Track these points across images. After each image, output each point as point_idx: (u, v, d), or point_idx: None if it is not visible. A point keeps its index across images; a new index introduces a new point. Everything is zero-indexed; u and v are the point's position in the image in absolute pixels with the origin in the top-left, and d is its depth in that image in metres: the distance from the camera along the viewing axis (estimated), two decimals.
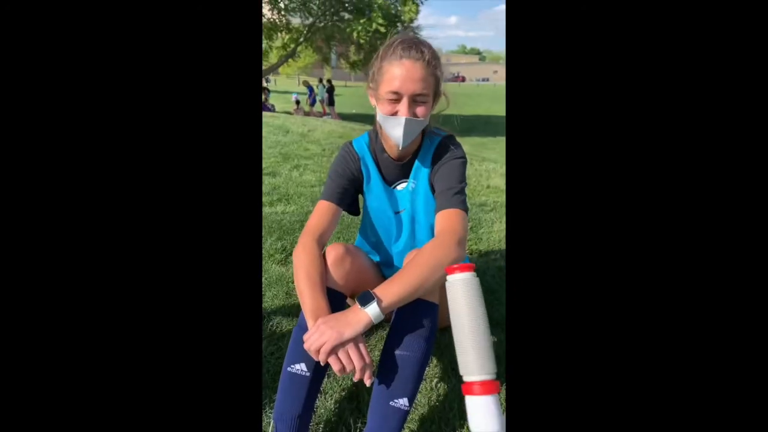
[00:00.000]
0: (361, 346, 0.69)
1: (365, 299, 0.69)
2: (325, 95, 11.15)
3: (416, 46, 0.80)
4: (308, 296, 0.74)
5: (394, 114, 0.81)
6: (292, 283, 1.32)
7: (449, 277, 0.51)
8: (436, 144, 0.92)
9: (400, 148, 0.85)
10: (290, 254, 1.53)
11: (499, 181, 2.95)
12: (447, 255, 0.73)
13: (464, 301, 0.50)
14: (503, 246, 1.74)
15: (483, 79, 55.18)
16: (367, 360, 0.69)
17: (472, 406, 0.50)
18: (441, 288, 0.71)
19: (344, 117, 10.83)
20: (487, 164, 3.81)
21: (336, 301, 0.79)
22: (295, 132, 4.26)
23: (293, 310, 1.19)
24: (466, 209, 0.84)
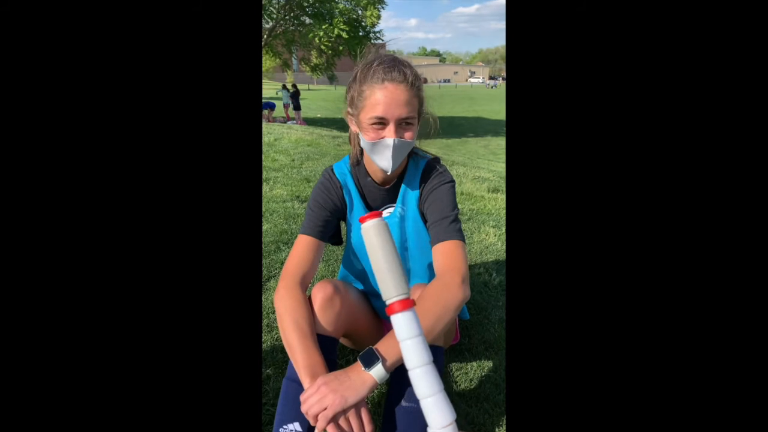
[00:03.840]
0: (364, 411, 0.63)
1: (369, 359, 0.63)
2: (290, 100, 10.93)
3: (397, 67, 0.75)
4: (300, 350, 0.68)
5: (381, 139, 0.76)
6: (272, 314, 1.25)
7: (363, 226, 0.60)
8: (422, 167, 0.88)
9: (389, 173, 0.80)
10: (268, 279, 1.45)
11: (470, 185, 2.97)
12: (454, 298, 0.69)
13: (377, 240, 0.58)
14: (484, 258, 1.73)
15: (444, 81, 56.20)
16: (369, 429, 0.63)
17: (396, 322, 0.58)
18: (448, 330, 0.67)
19: (309, 121, 10.69)
20: (457, 168, 3.84)
21: (327, 346, 0.73)
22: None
23: (274, 353, 1.12)
24: (463, 238, 0.80)
